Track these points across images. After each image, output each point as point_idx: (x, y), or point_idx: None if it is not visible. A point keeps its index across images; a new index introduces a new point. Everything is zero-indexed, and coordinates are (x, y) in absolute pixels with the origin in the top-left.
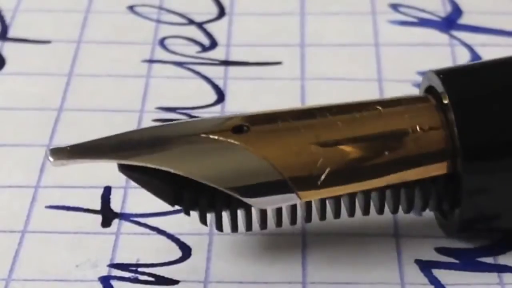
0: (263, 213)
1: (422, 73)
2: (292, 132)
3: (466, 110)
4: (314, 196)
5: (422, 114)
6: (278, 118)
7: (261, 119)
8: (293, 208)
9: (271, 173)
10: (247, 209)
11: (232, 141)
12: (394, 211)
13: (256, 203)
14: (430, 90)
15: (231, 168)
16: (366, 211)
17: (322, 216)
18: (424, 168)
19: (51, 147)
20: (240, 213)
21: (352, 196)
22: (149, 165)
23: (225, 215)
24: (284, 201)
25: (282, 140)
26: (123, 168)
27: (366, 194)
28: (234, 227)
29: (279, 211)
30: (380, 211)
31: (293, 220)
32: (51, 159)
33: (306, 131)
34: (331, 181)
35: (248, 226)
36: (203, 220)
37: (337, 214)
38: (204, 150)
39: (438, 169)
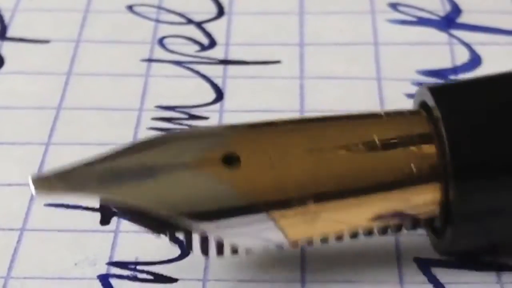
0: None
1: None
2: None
3: (457, 126)
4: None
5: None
6: (269, 145)
7: (254, 148)
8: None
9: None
10: None
11: (220, 177)
12: (383, 233)
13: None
14: (422, 105)
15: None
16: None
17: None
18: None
19: (33, 177)
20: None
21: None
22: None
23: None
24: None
25: (272, 178)
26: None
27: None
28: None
29: None
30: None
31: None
32: (34, 190)
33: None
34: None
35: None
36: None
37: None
38: (189, 184)
39: (430, 190)
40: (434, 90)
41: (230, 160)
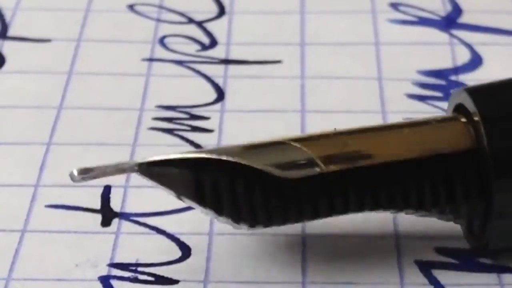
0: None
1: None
2: None
3: (497, 127)
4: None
5: (452, 133)
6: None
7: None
8: None
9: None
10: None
11: None
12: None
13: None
14: (459, 108)
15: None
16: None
17: None
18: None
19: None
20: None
21: None
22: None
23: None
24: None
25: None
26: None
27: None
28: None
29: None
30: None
31: None
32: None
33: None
34: None
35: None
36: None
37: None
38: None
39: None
40: (472, 92)
41: None
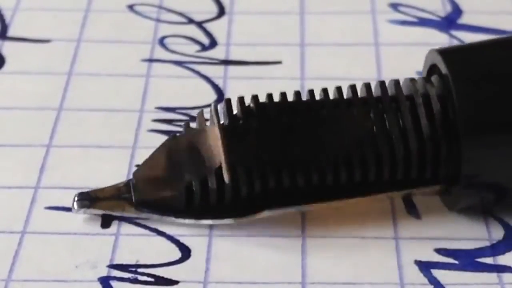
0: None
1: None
2: None
3: (466, 85)
4: None
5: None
6: None
7: None
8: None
9: None
10: None
11: None
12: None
13: None
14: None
15: None
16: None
17: None
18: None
19: None
20: None
21: None
22: None
23: None
24: None
25: None
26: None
27: None
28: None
29: None
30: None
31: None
32: None
33: None
34: None
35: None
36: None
37: None
38: None
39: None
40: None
41: None
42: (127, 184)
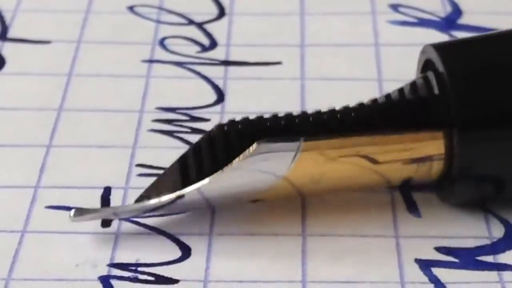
0: None
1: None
2: None
3: (462, 81)
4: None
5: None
6: None
7: None
8: None
9: None
10: None
11: None
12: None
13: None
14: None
15: None
16: None
17: None
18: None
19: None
20: None
21: None
22: None
23: None
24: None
25: None
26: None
27: None
28: None
29: None
30: None
31: None
32: None
33: None
34: None
35: None
36: None
37: None
38: None
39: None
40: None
41: None
42: None
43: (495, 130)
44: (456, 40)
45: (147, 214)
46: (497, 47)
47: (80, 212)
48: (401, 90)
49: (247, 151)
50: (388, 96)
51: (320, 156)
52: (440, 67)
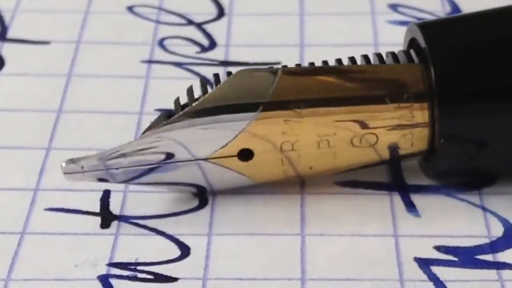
0: None
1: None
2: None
3: (443, 56)
4: None
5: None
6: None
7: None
8: None
9: None
10: None
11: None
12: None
13: None
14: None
15: None
16: None
17: None
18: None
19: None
20: None
21: None
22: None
23: None
24: None
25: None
26: None
27: None
28: None
29: None
30: None
31: None
32: None
33: None
34: None
35: None
36: None
37: None
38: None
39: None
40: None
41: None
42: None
43: (475, 103)
44: (439, 19)
45: (145, 179)
46: (478, 24)
47: (72, 160)
48: (381, 59)
49: (228, 77)
50: (366, 57)
51: (299, 79)
52: (422, 42)
